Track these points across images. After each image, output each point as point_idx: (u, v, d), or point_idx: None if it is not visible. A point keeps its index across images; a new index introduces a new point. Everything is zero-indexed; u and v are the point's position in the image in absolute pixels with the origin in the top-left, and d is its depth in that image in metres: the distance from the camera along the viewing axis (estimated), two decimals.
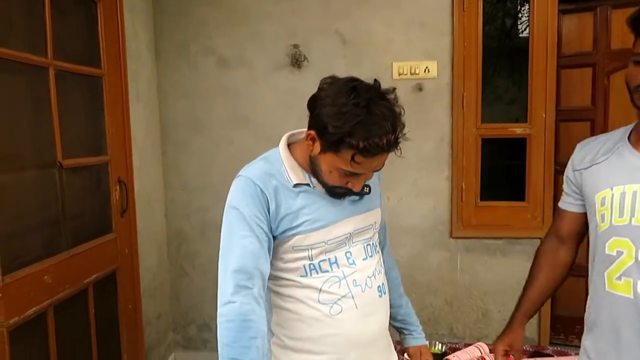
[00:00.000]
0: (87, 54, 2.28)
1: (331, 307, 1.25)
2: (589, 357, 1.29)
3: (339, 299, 1.25)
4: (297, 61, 2.85)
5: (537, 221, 2.84)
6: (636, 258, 1.17)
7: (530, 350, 2.27)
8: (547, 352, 2.24)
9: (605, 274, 1.24)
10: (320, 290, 1.25)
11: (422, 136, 2.84)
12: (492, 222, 2.89)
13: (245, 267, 1.17)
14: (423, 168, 2.86)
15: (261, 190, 1.21)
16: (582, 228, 1.41)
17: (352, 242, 1.29)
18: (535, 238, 2.83)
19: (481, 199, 2.90)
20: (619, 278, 1.20)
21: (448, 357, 2.15)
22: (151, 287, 2.85)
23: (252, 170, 1.25)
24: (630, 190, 1.21)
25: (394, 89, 1.17)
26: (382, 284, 1.33)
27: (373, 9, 2.83)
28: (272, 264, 1.25)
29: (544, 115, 2.78)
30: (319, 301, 1.25)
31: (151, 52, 2.89)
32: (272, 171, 1.24)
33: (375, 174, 1.26)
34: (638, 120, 1.28)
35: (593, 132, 3.09)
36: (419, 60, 2.83)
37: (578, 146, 1.42)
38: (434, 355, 2.20)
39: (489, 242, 2.91)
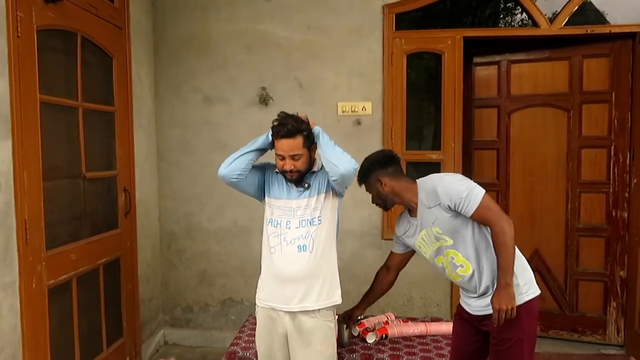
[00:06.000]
0: (104, 95, 3.08)
1: (271, 248, 2.17)
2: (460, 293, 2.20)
3: (274, 246, 2.15)
4: (264, 100, 3.67)
5: None
6: (444, 265, 2.09)
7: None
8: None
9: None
10: (269, 236, 2.17)
11: (360, 159, 3.59)
12: None
13: None
14: None
15: (267, 167, 2.27)
16: (403, 261, 2.37)
17: (295, 216, 2.15)
18: None
19: None
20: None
21: (362, 321, 2.92)
22: (146, 274, 3.61)
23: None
24: (420, 236, 2.11)
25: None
26: (304, 244, 2.12)
27: (323, 62, 3.65)
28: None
29: (453, 144, 3.56)
30: (268, 243, 2.18)
31: (152, 92, 3.72)
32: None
33: (322, 183, 2.16)
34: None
35: (498, 159, 3.90)
36: (358, 101, 3.63)
37: (397, 223, 2.29)
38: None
39: None
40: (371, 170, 2.16)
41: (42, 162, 2.43)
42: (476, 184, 1.98)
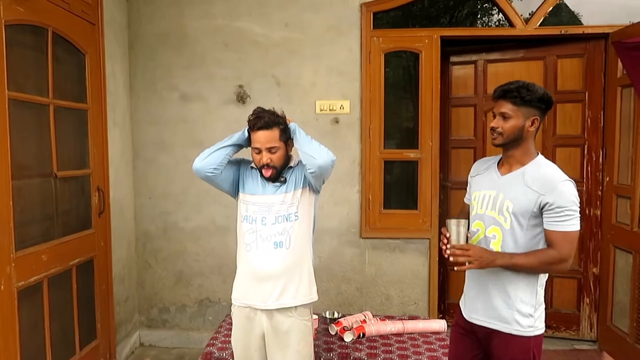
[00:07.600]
0: (76, 92, 3.01)
1: (247, 245, 2.15)
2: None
3: (250, 243, 2.14)
4: (241, 98, 3.64)
5: (426, 225, 3.63)
6: (485, 234, 1.93)
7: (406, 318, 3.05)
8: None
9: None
10: (244, 234, 2.15)
11: (338, 158, 3.53)
12: (393, 226, 3.64)
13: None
14: (339, 183, 3.63)
15: (242, 163, 2.26)
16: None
17: (270, 212, 2.13)
18: (425, 238, 3.64)
19: (384, 208, 3.66)
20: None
21: (339, 319, 2.92)
22: (121, 275, 3.55)
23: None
24: (488, 193, 1.96)
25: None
26: (281, 241, 2.11)
27: (301, 59, 3.62)
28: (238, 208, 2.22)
29: (430, 143, 3.57)
30: (243, 241, 2.17)
31: (126, 89, 3.65)
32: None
33: (298, 179, 2.15)
34: (503, 153, 1.96)
35: (475, 158, 3.91)
36: (336, 99, 3.62)
37: (476, 162, 2.15)
38: (331, 319, 2.97)
39: (390, 241, 3.66)
40: (540, 103, 1.86)
41: (11, 161, 2.36)
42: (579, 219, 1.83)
